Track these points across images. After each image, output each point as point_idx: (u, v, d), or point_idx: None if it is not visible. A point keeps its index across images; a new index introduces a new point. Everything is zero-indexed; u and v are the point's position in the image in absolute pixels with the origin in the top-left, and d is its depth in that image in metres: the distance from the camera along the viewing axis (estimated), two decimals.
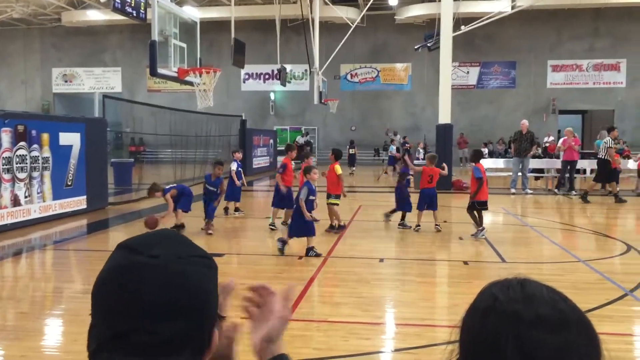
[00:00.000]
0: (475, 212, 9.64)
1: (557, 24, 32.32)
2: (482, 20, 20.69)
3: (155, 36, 9.98)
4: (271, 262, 8.15)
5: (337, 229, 10.23)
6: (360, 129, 34.55)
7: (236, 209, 12.49)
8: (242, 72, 32.47)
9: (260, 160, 26.24)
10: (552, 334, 0.87)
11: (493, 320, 0.90)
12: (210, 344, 0.99)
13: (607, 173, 15.18)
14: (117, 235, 10.90)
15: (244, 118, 24.66)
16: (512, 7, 23.85)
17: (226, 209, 12.40)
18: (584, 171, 19.08)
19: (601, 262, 7.88)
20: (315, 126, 35.11)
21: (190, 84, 11.67)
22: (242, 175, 12.53)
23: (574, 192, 16.66)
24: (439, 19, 18.56)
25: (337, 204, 10.42)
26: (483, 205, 9.69)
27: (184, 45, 11.21)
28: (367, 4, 25.70)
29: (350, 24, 25.75)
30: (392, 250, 9.00)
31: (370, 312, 5.69)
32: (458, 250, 8.99)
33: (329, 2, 28.35)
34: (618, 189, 15.37)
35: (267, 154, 27.68)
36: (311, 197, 8.36)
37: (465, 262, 7.88)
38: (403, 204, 10.78)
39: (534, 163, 18.80)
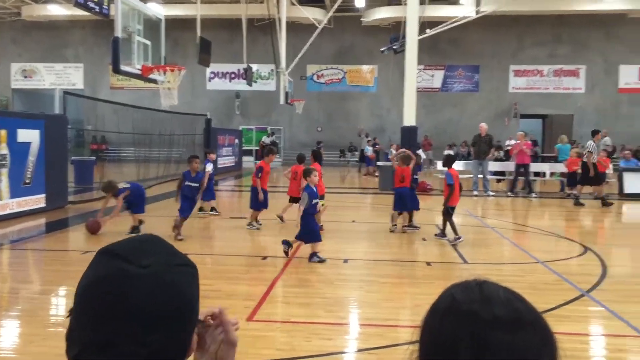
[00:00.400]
0: (448, 218, 9.59)
1: (519, 29, 32.98)
2: (447, 25, 20.98)
3: (119, 32, 9.80)
4: (235, 263, 8.10)
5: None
6: (326, 129, 34.64)
7: (212, 209, 12.41)
8: (208, 70, 32.20)
9: (225, 160, 26.06)
10: (507, 334, 0.88)
11: (451, 320, 0.91)
12: (188, 349, 1.01)
13: (591, 176, 15.13)
14: (77, 235, 10.68)
15: (209, 117, 24.45)
16: (476, 12, 24.24)
17: (201, 209, 12.27)
18: (544, 174, 19.50)
19: (559, 264, 8.07)
20: (281, 126, 35.04)
21: (154, 82, 11.51)
22: (213, 177, 12.49)
23: (533, 195, 17.03)
24: (405, 22, 18.73)
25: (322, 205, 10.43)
26: (453, 211, 9.65)
27: (148, 42, 11.05)
28: (333, 5, 25.76)
29: (317, 25, 25.78)
30: (356, 251, 9.04)
31: (334, 313, 5.71)
32: (421, 251, 9.09)
33: (295, 3, 28.35)
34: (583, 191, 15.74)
35: (233, 153, 27.50)
36: (314, 201, 8.10)
37: (428, 263, 7.97)
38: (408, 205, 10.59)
39: (494, 166, 19.19)
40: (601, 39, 32.76)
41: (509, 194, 17.43)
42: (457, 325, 0.90)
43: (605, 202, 15.02)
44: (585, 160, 15.29)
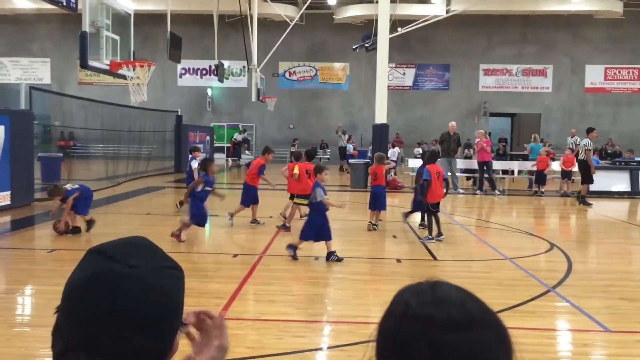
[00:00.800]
0: (431, 217, 9.47)
1: (489, 29, 33.41)
2: (418, 23, 21.13)
3: (86, 27, 9.64)
4: (206, 261, 8.05)
5: (283, 227, 10.24)
6: (298, 127, 34.60)
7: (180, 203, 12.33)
8: (179, 67, 31.88)
9: None
10: (462, 335, 0.88)
11: (406, 325, 0.92)
12: (171, 350, 1.01)
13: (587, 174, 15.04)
14: (43, 233, 10.47)
15: (179, 114, 24.21)
16: (447, 12, 24.45)
17: (181, 203, 12.08)
18: (512, 172, 19.80)
19: (526, 260, 8.21)
20: (253, 123, 34.89)
21: (124, 77, 11.35)
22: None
23: (497, 192, 17.26)
24: (377, 20, 18.82)
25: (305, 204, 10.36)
26: (435, 208, 9.46)
27: (117, 37, 10.88)
28: (305, 3, 25.74)
29: (289, 22, 25.74)
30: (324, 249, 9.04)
31: (304, 310, 5.72)
32: (392, 248, 9.16)
33: None
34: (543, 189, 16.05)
35: (204, 150, 27.25)
36: (325, 197, 7.94)
37: (398, 260, 8.03)
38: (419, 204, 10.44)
39: (463, 164, 19.43)
40: (568, 39, 33.40)
41: (478, 191, 17.65)
42: (413, 329, 0.90)
43: (585, 202, 14.99)
44: (582, 158, 15.15)
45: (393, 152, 24.35)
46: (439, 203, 9.59)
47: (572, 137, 21.79)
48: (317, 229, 7.80)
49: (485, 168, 17.47)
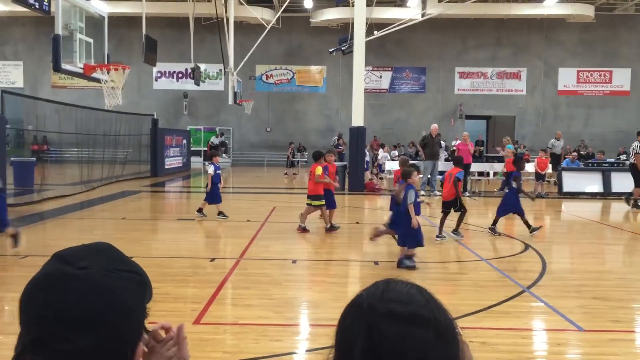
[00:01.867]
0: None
1: (463, 32, 33.76)
2: (394, 27, 21.29)
3: (59, 30, 9.51)
4: (182, 265, 7.99)
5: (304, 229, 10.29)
6: (276, 130, 34.56)
7: (219, 213, 11.73)
8: (155, 70, 31.60)
9: (172, 161, 25.65)
10: (400, 327, 0.94)
11: (352, 314, 1.00)
12: (133, 356, 1.01)
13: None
14: None
15: (155, 117, 24.01)
16: (422, 15, 24.68)
17: (200, 210, 11.79)
18: (487, 174, 20.02)
19: (501, 261, 8.31)
20: (230, 127, 34.74)
21: (98, 80, 11.22)
22: (221, 178, 12.05)
23: (466, 194, 17.35)
24: (353, 24, 18.89)
25: (322, 204, 10.36)
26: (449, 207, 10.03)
27: (91, 40, 10.77)
28: (282, 6, 25.75)
29: (266, 25, 25.73)
30: (305, 251, 9.06)
31: (282, 314, 5.70)
32: (369, 250, 9.18)
33: (243, 2, 28.17)
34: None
35: (180, 154, 27.09)
36: (418, 200, 7.86)
37: (376, 262, 8.06)
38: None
39: (443, 166, 19.50)
40: (541, 43, 33.90)
41: (466, 194, 17.66)
42: (356, 318, 0.98)
43: (637, 205, 14.95)
44: (633, 161, 15.18)
45: (384, 156, 24.36)
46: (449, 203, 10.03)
47: (557, 140, 22.01)
48: (416, 231, 7.63)
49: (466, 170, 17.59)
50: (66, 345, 0.93)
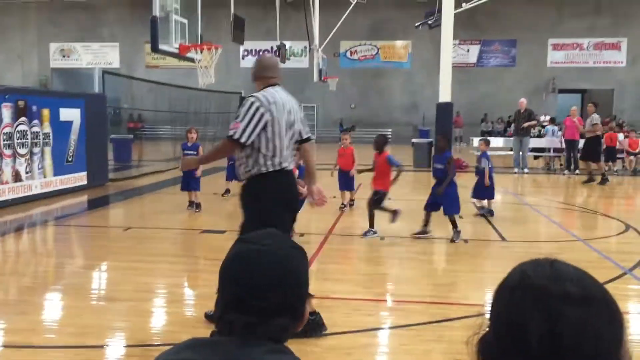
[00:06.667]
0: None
1: (558, 2, 32.06)
2: None
3: (157, 11, 9.88)
4: None
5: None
6: (360, 107, 34.45)
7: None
8: (242, 48, 32.23)
9: None
10: (578, 309, 0.92)
11: (521, 295, 0.96)
12: (302, 315, 1.28)
13: None
14: (118, 212, 10.95)
15: (243, 95, 24.55)
16: None
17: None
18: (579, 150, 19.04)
19: (599, 241, 7.95)
20: (314, 104, 34.97)
21: (191, 60, 11.59)
22: None
23: (577, 172, 16.55)
24: None
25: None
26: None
27: (185, 21, 11.11)
28: None
29: (351, 1, 25.52)
30: (392, 228, 9.03)
31: (372, 289, 5.75)
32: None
33: None
34: (615, 168, 15.36)
35: None
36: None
37: (465, 240, 7.93)
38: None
39: (534, 142, 18.73)
40: None
41: (565, 172, 16.90)
42: (528, 300, 0.94)
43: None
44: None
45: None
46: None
47: None
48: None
49: (571, 147, 16.75)
50: (261, 303, 1.20)
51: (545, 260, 1.01)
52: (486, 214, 9.68)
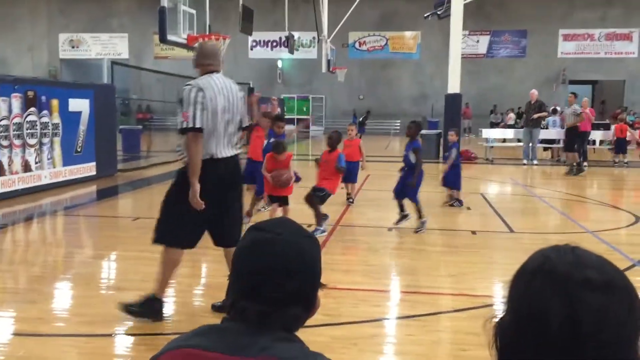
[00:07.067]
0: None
1: None
2: None
3: (165, 2, 9.89)
4: None
5: None
6: (368, 97, 34.35)
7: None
8: (250, 39, 32.20)
9: None
10: (600, 296, 0.92)
11: (541, 279, 0.96)
12: (314, 305, 1.28)
13: None
14: (127, 202, 11.00)
15: (251, 86, 24.53)
16: None
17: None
18: (594, 142, 18.96)
19: (608, 233, 7.90)
20: (322, 95, 34.91)
21: None
22: None
23: (585, 164, 16.40)
24: None
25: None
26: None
27: (193, 11, 11.11)
28: None
29: None
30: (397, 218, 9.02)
31: (379, 280, 5.76)
32: (466, 220, 9.03)
33: None
34: (625, 159, 15.22)
35: None
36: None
37: (473, 232, 7.91)
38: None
39: (544, 134, 18.59)
40: None
41: (585, 164, 16.70)
42: (550, 285, 0.94)
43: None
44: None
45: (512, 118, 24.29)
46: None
47: None
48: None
49: (582, 139, 16.54)
50: (275, 291, 1.20)
51: (567, 246, 1.01)
52: (455, 203, 9.71)
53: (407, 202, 7.89)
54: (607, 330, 0.91)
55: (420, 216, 7.70)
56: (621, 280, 0.96)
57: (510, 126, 26.47)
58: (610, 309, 0.91)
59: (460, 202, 9.74)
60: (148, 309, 4.39)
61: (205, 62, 4.45)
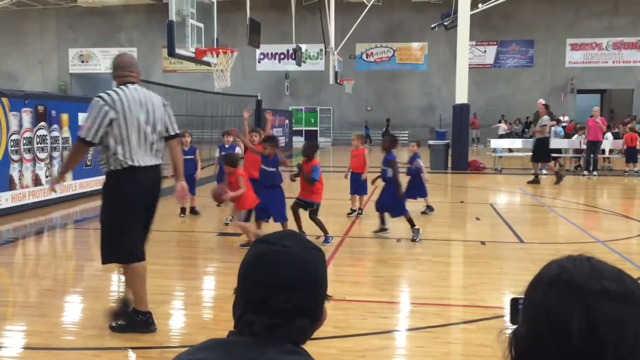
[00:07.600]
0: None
1: (575, 1, 31.76)
2: None
3: (173, 16, 9.97)
4: None
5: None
6: (376, 109, 34.40)
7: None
8: (258, 52, 32.38)
9: None
10: (618, 306, 0.91)
11: (558, 290, 0.95)
12: (321, 317, 1.27)
13: None
14: None
15: (259, 98, 24.64)
16: None
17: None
18: (603, 151, 18.85)
19: (619, 243, 7.85)
20: (330, 106, 34.99)
21: (207, 64, 11.66)
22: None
23: (595, 173, 16.35)
24: None
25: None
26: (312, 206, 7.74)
27: (201, 25, 11.20)
28: None
29: (366, 3, 25.53)
30: (408, 230, 9.00)
31: (388, 292, 5.74)
32: (475, 230, 9.00)
33: None
34: (636, 168, 15.12)
35: (283, 134, 27.68)
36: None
37: (483, 242, 7.88)
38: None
39: (553, 143, 18.49)
40: None
41: (585, 172, 16.67)
42: (567, 295, 0.93)
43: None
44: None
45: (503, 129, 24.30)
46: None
47: None
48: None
49: (593, 148, 16.50)
50: (282, 304, 1.19)
51: (581, 256, 1.00)
52: (428, 211, 9.94)
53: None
54: (626, 340, 0.90)
55: (412, 225, 7.82)
56: (638, 290, 0.95)
57: (502, 136, 26.41)
58: (628, 319, 0.91)
59: (431, 208, 9.98)
60: (134, 323, 4.46)
61: (122, 74, 4.47)
